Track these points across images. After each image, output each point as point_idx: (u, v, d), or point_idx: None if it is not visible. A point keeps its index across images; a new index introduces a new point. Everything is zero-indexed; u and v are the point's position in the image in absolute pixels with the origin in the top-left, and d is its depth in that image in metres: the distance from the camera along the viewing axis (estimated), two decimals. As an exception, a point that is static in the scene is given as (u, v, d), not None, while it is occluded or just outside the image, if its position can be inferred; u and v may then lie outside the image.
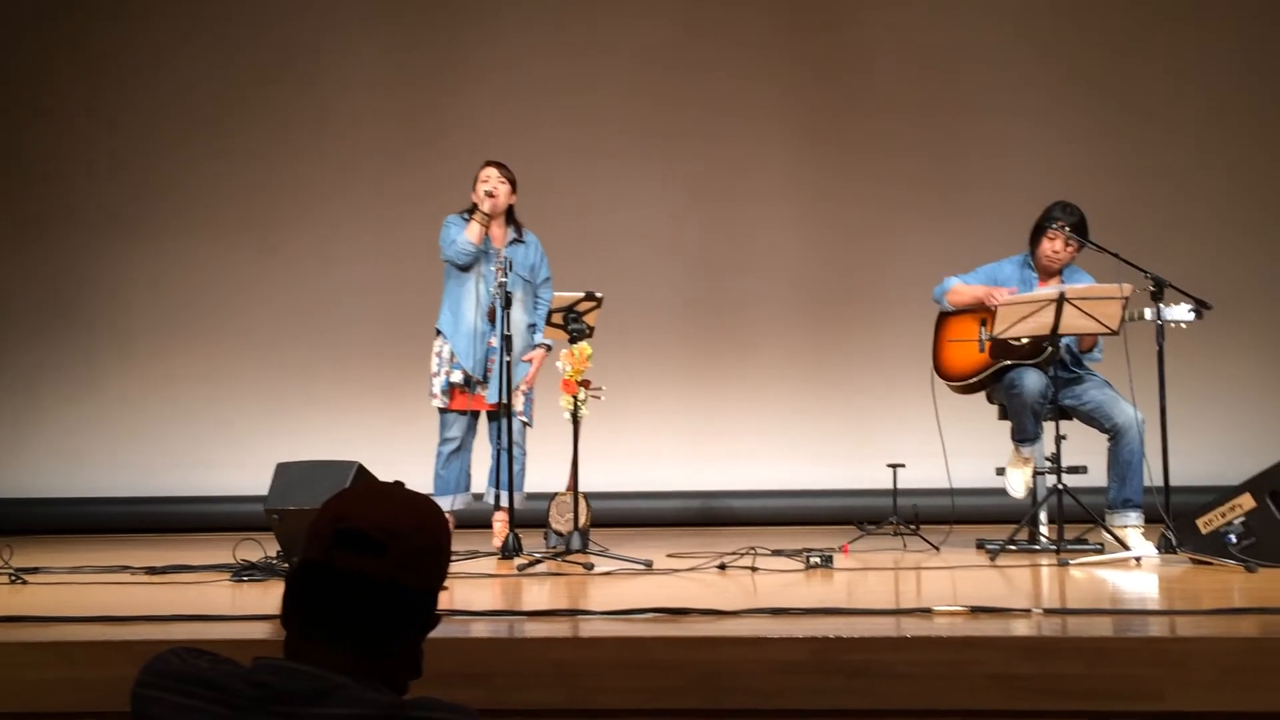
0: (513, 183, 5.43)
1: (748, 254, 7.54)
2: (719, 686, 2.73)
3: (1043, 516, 5.10)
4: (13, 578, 4.28)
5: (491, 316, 5.26)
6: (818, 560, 4.40)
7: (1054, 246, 5.14)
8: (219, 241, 7.68)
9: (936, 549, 5.06)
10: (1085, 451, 5.05)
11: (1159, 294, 4.85)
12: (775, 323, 7.48)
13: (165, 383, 7.62)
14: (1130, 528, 4.88)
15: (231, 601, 3.82)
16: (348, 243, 7.66)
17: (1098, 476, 5.03)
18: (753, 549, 4.58)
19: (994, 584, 3.98)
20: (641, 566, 4.46)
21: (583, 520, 4.97)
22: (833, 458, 7.24)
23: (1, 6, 7.79)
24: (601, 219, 7.47)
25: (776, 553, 4.77)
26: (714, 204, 7.55)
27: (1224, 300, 5.32)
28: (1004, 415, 5.24)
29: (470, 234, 5.30)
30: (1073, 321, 4.78)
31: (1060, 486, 4.74)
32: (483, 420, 5.43)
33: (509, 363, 5.00)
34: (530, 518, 5.35)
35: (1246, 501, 4.37)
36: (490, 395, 5.29)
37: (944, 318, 5.33)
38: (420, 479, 5.25)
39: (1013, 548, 4.86)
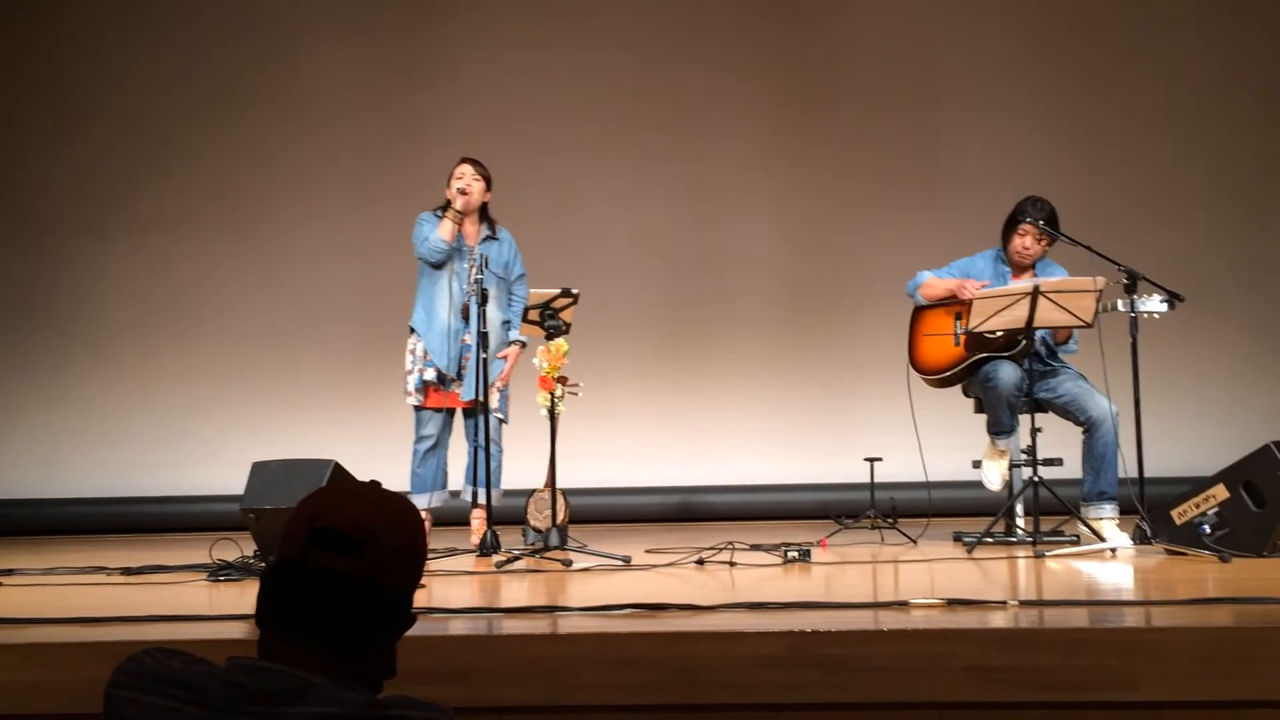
0: (487, 180, 5.42)
1: (725, 250, 7.53)
2: (697, 681, 2.74)
3: (1019, 509, 5.14)
4: (-13, 580, 4.25)
5: (465, 314, 5.26)
6: (795, 555, 4.42)
7: (1024, 242, 5.15)
8: (194, 240, 7.62)
9: (914, 542, 5.08)
10: (1061, 444, 5.08)
11: (1132, 286, 4.87)
12: (752, 318, 7.48)
13: (141, 382, 7.57)
14: (1105, 519, 4.89)
15: (208, 601, 3.81)
16: (323, 241, 7.61)
17: (1073, 469, 5.05)
18: (731, 544, 4.60)
19: (971, 576, 3.99)
20: (620, 562, 4.46)
21: (561, 517, 4.97)
22: (810, 453, 7.25)
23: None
24: (578, 215, 7.45)
25: (754, 547, 4.80)
26: (691, 200, 7.55)
27: (1197, 294, 5.35)
28: (980, 408, 5.27)
29: (443, 231, 5.28)
30: (1047, 315, 4.80)
31: (1036, 479, 4.77)
32: (459, 417, 5.43)
33: (485, 360, 4.99)
34: (508, 514, 5.35)
35: (1220, 492, 4.41)
36: (465, 392, 5.29)
37: (919, 312, 5.34)
38: (397, 477, 5.25)
39: (989, 540, 4.89)
